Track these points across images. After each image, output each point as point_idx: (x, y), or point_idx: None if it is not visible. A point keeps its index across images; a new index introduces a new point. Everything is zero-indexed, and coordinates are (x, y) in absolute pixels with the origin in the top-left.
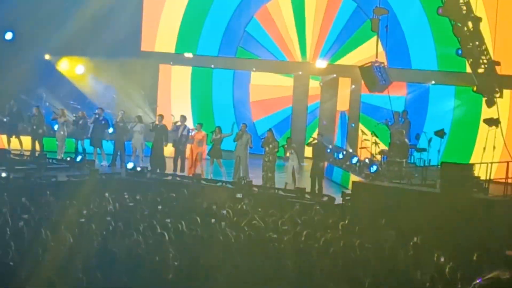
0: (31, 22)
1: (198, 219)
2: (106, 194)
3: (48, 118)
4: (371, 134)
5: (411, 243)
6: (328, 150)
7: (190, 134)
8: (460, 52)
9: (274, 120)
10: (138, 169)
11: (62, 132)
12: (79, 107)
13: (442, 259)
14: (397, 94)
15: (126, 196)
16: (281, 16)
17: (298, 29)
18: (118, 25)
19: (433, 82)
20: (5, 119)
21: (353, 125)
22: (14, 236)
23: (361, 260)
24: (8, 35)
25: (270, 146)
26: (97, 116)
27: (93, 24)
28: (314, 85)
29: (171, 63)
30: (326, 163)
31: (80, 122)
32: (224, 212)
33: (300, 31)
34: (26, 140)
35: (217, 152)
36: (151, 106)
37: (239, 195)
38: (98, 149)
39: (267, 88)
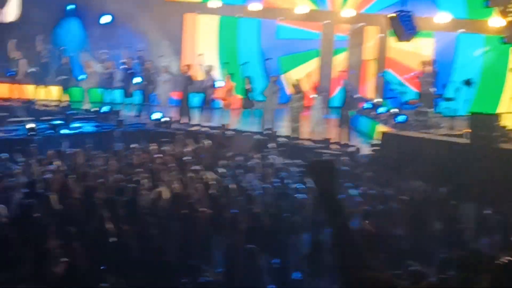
0: None
1: (224, 170)
2: (134, 145)
3: (76, 68)
4: (399, 83)
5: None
6: (355, 99)
7: (215, 84)
8: (488, 1)
9: (299, 60)
10: (164, 119)
11: (88, 83)
12: (107, 56)
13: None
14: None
15: (151, 147)
16: None
17: None
18: None
19: (461, 30)
20: (34, 69)
21: (381, 74)
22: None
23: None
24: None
25: (297, 95)
26: (125, 66)
27: None
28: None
29: (197, 12)
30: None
31: (107, 71)
32: (251, 163)
33: None
34: (53, 90)
35: (247, 102)
36: (176, 56)
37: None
38: (125, 99)
39: (294, 42)
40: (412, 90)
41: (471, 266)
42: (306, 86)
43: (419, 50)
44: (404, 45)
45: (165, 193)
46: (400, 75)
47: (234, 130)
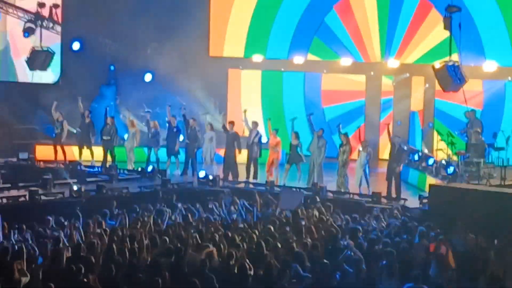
0: (98, 32)
1: (272, 227)
2: (179, 205)
3: (121, 128)
4: (447, 134)
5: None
6: (404, 152)
7: (261, 140)
8: None
9: (344, 109)
10: (210, 177)
11: (132, 142)
12: (149, 113)
13: None
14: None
15: (198, 207)
16: (363, 9)
17: (380, 25)
18: (185, 31)
19: (510, 78)
20: (75, 131)
21: (430, 124)
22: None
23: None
24: (76, 45)
25: (344, 148)
26: (169, 124)
27: (158, 32)
28: (387, 82)
29: (240, 67)
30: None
31: (152, 131)
32: (300, 220)
33: (382, 26)
34: (98, 151)
35: (295, 157)
36: (221, 112)
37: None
38: (171, 157)
39: (339, 93)
40: (461, 140)
41: None
42: (352, 139)
43: (467, 100)
44: (451, 95)
45: (215, 253)
46: (448, 126)
47: (281, 186)
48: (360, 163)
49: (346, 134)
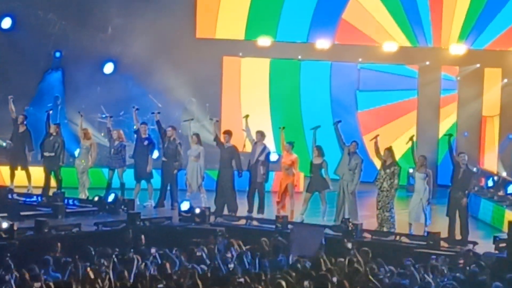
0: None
1: (283, 283)
2: (153, 250)
3: (70, 140)
4: None
5: None
6: (472, 174)
7: (270, 158)
8: None
9: (390, 133)
10: (197, 210)
11: (86, 160)
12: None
13: None
14: None
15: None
16: None
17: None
18: (162, 4)
19: None
20: (4, 144)
21: (510, 136)
22: None
23: None
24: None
25: (387, 170)
26: (138, 135)
27: (123, 4)
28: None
29: (240, 54)
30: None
31: (115, 145)
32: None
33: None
34: (37, 172)
35: (318, 182)
36: (213, 118)
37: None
38: (142, 182)
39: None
40: None
41: None
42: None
43: None
44: None
45: None
46: None
47: (297, 223)
48: (418, 190)
49: (390, 148)
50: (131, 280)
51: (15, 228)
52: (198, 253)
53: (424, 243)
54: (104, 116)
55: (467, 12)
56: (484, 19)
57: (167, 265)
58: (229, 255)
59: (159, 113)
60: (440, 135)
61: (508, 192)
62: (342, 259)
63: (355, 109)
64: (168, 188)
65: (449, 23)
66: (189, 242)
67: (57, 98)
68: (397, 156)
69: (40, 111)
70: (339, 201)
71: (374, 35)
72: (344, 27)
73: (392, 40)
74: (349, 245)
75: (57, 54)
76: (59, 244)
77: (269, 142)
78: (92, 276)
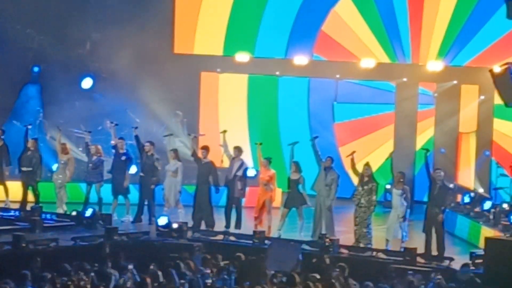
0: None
1: None
2: (130, 266)
3: (48, 155)
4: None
5: None
6: (448, 191)
7: (247, 173)
8: None
9: (367, 146)
10: (175, 225)
11: (63, 175)
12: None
13: None
14: None
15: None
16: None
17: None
18: (140, 19)
19: None
20: None
21: (487, 153)
22: None
23: None
24: None
25: (365, 187)
26: (116, 150)
27: (102, 20)
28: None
29: (218, 70)
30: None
31: (93, 160)
32: None
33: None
34: (14, 187)
35: (295, 197)
36: (190, 134)
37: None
38: (119, 197)
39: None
40: None
41: None
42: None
43: None
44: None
45: None
46: None
47: (274, 238)
48: (395, 206)
49: (367, 164)
50: None
51: None
52: (176, 269)
53: (401, 259)
54: (83, 131)
55: (446, 29)
56: (463, 37)
57: (147, 280)
58: (207, 270)
59: (136, 128)
60: (417, 149)
61: (484, 208)
62: (318, 275)
63: (332, 121)
64: (146, 203)
65: (428, 39)
66: (166, 257)
67: (39, 112)
68: (373, 169)
69: (18, 126)
70: (316, 216)
71: (353, 49)
72: (323, 40)
73: (371, 54)
74: (328, 261)
75: (36, 69)
76: (38, 259)
77: (247, 158)
78: None
